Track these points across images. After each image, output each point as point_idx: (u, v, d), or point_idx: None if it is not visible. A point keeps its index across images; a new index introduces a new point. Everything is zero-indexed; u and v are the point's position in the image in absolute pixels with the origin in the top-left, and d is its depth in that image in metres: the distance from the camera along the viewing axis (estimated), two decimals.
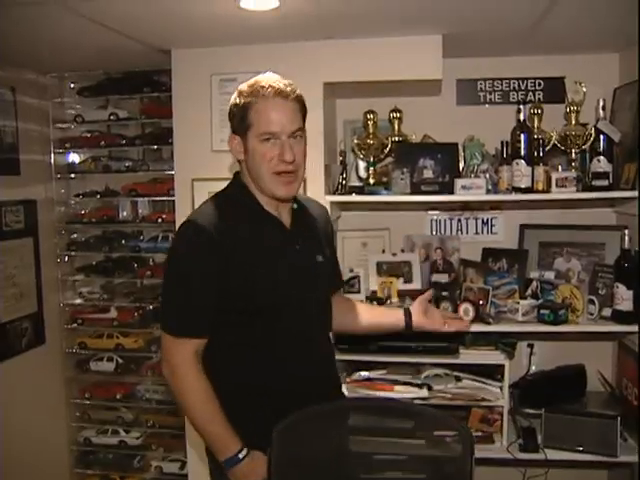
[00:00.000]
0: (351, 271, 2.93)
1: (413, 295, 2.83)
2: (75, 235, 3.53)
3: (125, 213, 3.46)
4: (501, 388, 2.74)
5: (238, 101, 1.65)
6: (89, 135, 3.44)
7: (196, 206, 1.86)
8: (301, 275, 1.75)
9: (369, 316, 2.07)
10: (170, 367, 1.66)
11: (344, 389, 2.73)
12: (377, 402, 2.54)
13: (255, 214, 1.71)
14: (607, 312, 2.63)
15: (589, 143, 2.65)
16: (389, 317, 2.07)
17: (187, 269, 1.64)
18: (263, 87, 1.62)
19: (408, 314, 2.01)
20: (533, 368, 3.03)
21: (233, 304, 1.67)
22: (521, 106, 2.71)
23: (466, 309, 2.70)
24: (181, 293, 1.65)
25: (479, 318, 2.68)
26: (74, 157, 3.51)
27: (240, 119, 1.65)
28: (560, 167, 2.71)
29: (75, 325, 3.47)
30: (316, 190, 2.75)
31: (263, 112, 1.62)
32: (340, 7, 2.24)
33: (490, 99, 3.09)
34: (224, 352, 1.71)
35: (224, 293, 1.64)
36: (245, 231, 1.67)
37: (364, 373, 2.85)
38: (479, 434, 2.72)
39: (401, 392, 2.75)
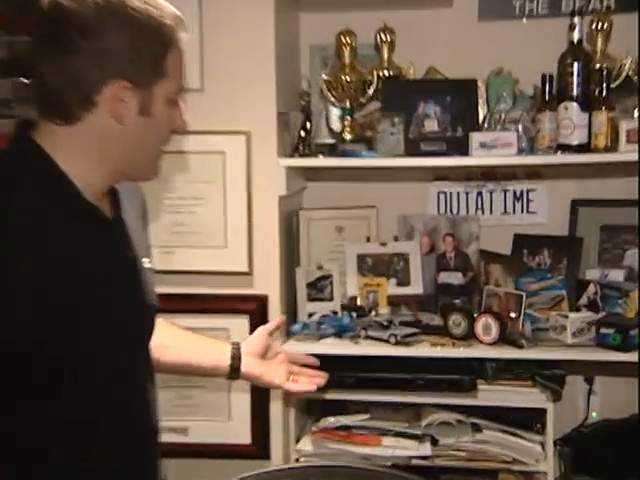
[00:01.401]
0: (320, 268, 2.42)
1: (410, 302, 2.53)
2: None
3: None
4: (543, 445, 2.25)
5: (150, 32, 1.14)
6: None
7: None
8: (137, 301, 1.26)
9: (178, 349, 1.50)
10: None
11: (308, 441, 2.32)
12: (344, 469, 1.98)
13: (72, 208, 1.16)
14: None
15: None
16: (206, 354, 1.51)
17: None
18: (182, 21, 1.19)
19: (237, 354, 1.49)
20: (593, 415, 2.55)
21: (50, 365, 1.10)
22: (576, 19, 2.15)
23: (486, 324, 2.19)
24: None
25: (507, 338, 2.21)
26: None
27: (153, 63, 1.15)
28: (636, 113, 2.17)
29: None
30: (264, 150, 2.24)
31: (180, 60, 1.23)
32: None
33: (530, 10, 2.47)
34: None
35: (29, 354, 1.08)
36: (70, 242, 1.13)
37: (337, 419, 2.31)
38: None
39: (392, 447, 2.23)
